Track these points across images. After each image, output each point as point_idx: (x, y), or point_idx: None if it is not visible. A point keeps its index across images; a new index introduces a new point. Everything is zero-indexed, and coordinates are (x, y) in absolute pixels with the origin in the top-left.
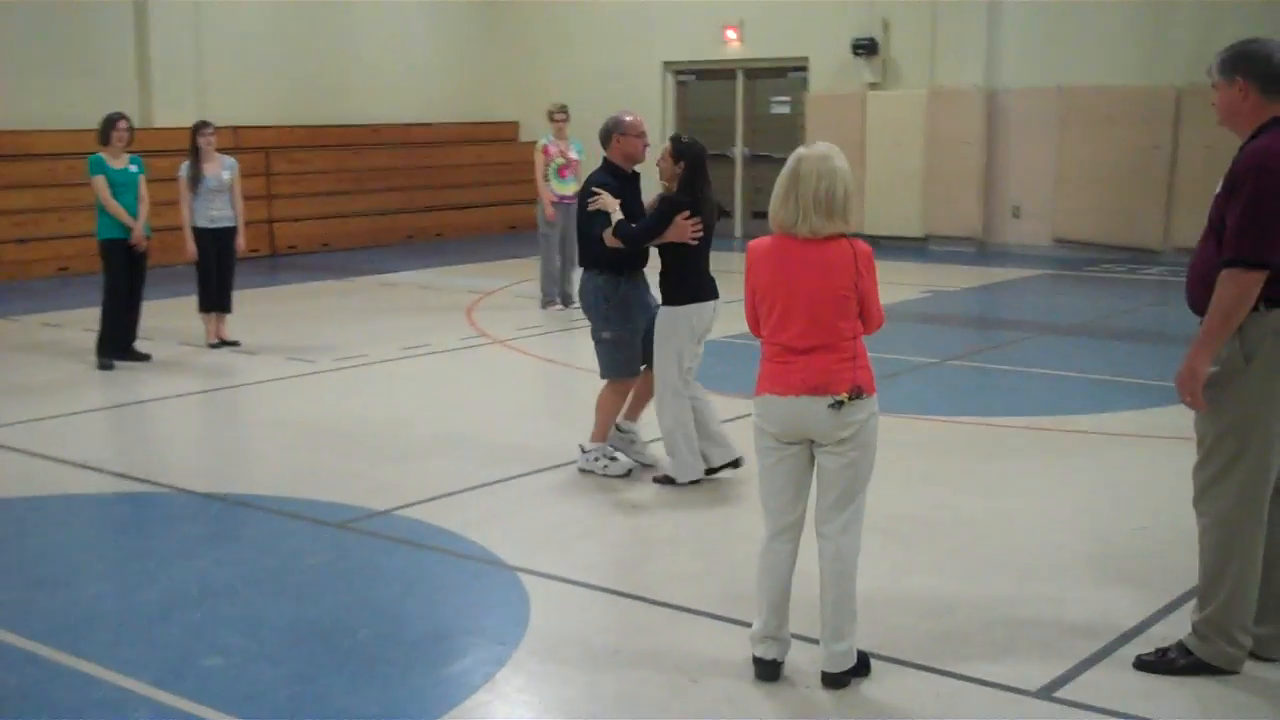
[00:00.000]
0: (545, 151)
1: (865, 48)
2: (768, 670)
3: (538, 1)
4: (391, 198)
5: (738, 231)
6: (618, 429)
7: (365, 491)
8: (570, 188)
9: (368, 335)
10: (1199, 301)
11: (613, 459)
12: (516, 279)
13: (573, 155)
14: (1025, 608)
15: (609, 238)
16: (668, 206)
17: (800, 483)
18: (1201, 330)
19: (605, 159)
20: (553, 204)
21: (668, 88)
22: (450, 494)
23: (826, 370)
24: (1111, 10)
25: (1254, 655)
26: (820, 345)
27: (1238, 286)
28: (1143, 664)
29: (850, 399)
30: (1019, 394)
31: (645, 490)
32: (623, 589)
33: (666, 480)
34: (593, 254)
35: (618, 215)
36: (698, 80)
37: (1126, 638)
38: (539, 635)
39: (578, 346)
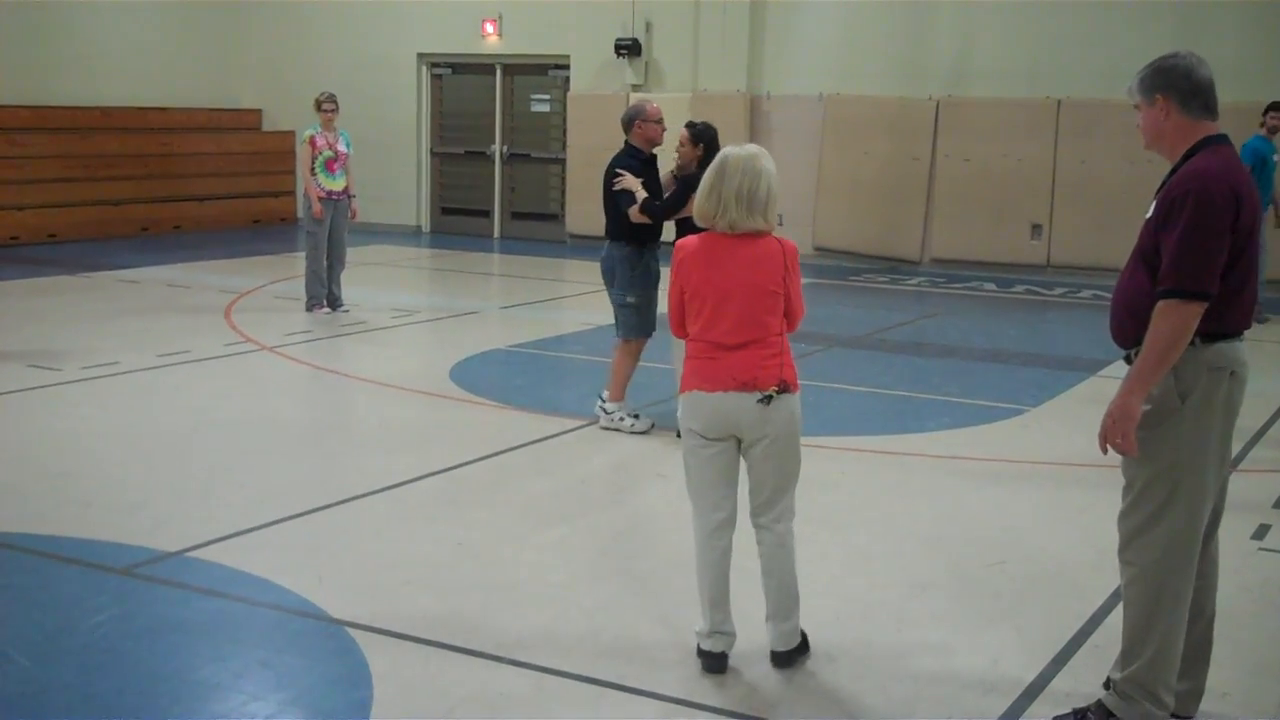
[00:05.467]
0: (313, 143)
1: (628, 48)
2: (716, 663)
3: None
4: (124, 186)
5: (496, 232)
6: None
7: (148, 528)
8: (340, 182)
9: (116, 339)
10: (1128, 333)
11: (635, 417)
12: (271, 278)
13: (341, 148)
14: (913, 659)
15: (635, 214)
16: (687, 184)
17: (729, 478)
18: (1135, 367)
19: (627, 142)
20: (321, 200)
21: (423, 80)
22: (248, 530)
23: (755, 366)
24: (873, 21)
25: (1171, 714)
26: (750, 341)
27: (1177, 319)
28: None
29: (777, 394)
30: (826, 411)
31: (472, 527)
32: (474, 646)
33: None
34: (618, 227)
35: (642, 194)
36: (454, 74)
37: (1030, 694)
38: (389, 712)
39: (353, 353)
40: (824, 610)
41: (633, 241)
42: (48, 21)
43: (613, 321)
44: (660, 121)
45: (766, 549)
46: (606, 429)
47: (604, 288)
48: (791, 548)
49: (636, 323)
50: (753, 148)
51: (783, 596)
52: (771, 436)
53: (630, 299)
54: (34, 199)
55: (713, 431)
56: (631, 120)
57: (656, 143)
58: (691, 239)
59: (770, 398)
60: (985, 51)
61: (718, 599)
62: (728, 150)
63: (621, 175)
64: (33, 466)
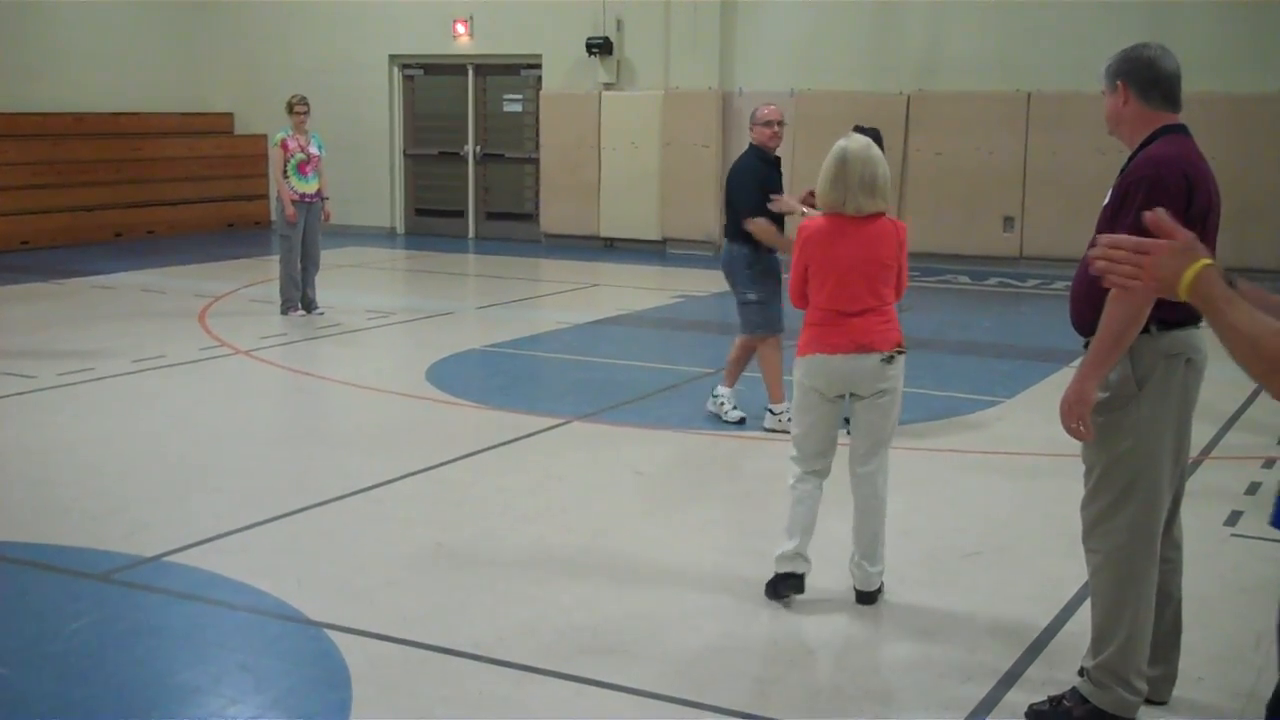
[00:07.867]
0: (284, 146)
1: (599, 47)
2: (797, 584)
3: None
4: (97, 192)
5: (470, 233)
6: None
7: (125, 534)
8: (312, 185)
9: (92, 344)
10: (1085, 320)
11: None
12: (246, 281)
13: (313, 150)
14: (890, 648)
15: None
16: None
17: (833, 434)
18: (1089, 352)
19: (751, 144)
20: (293, 202)
21: (395, 81)
22: (225, 534)
23: (872, 330)
24: (843, 16)
25: (1146, 699)
26: (868, 309)
27: (1129, 305)
28: (1036, 714)
29: (897, 353)
30: None
31: (450, 527)
32: (452, 646)
33: None
34: (737, 227)
35: (803, 209)
36: (426, 75)
37: (1007, 682)
38: (368, 713)
39: (328, 355)
40: (801, 601)
41: (749, 241)
42: (18, 27)
43: (597, 320)
44: (768, 124)
45: (861, 499)
46: (771, 430)
47: (637, 288)
48: (884, 499)
49: (761, 319)
50: (861, 138)
51: (873, 542)
52: (884, 391)
53: (751, 296)
54: (6, 206)
55: (832, 390)
56: (750, 123)
57: (768, 145)
58: (817, 219)
59: (892, 357)
60: (955, 45)
61: (807, 526)
62: (842, 144)
63: (777, 200)
64: (9, 473)
